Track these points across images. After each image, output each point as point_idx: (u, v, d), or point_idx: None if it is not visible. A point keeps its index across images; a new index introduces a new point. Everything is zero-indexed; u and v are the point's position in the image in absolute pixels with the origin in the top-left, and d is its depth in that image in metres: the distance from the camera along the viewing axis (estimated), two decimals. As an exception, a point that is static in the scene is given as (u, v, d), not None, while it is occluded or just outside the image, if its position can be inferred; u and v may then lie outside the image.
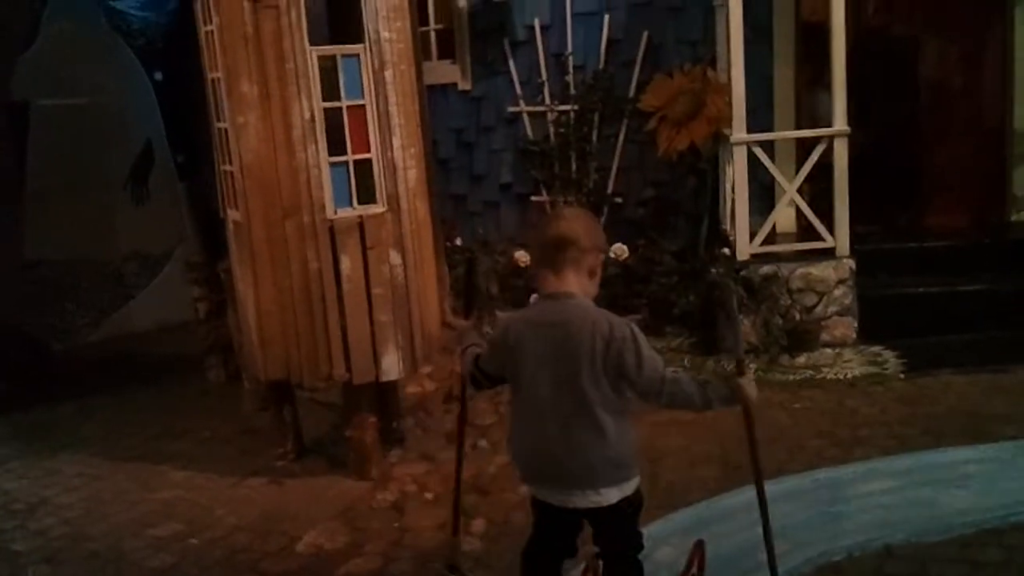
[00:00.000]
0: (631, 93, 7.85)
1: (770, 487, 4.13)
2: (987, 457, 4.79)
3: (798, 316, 6.66)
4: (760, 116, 7.35)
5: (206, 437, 5.85)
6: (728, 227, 7.18)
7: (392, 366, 4.99)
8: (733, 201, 6.92)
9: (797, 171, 7.02)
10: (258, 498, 4.99)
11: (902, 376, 6.07)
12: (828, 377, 6.18)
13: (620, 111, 7.92)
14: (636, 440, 3.17)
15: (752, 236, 6.86)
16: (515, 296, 7.79)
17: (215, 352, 6.71)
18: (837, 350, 6.60)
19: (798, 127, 7.60)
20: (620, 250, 7.55)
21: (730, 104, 6.85)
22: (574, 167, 7.96)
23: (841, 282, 6.73)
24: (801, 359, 6.48)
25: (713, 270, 6.75)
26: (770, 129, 7.47)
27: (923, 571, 3.82)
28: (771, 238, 7.05)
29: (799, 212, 7.07)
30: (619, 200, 8.00)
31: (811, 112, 7.57)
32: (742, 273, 6.69)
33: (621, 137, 7.96)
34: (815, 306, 6.72)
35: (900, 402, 5.66)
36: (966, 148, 7.72)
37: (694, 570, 3.72)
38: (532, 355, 3.10)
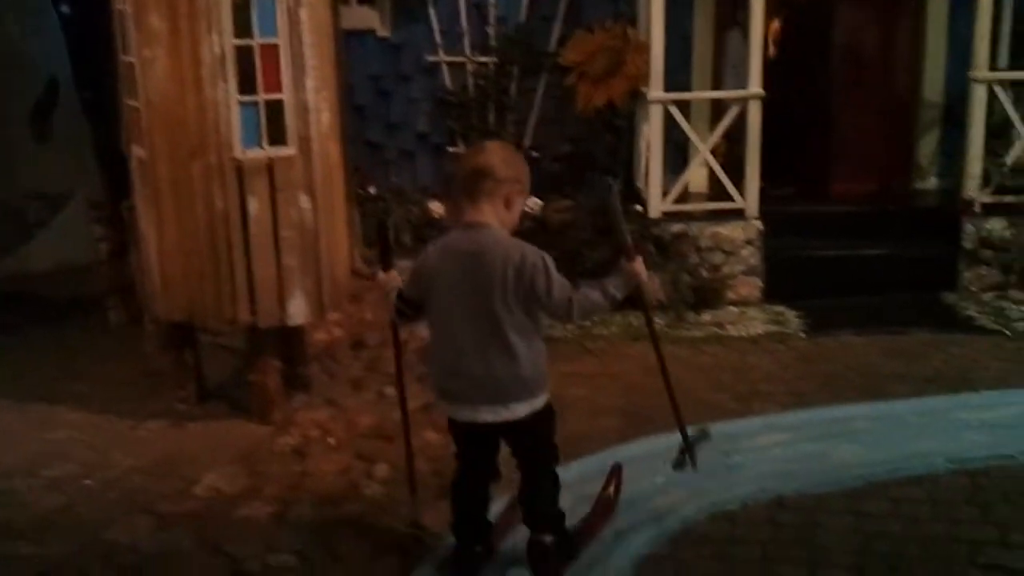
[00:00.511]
0: (551, 47, 7.83)
1: (669, 439, 4.28)
2: (879, 414, 4.93)
3: (705, 274, 6.77)
4: (678, 76, 7.40)
5: (105, 379, 5.72)
6: (642, 185, 7.24)
7: (298, 311, 4.93)
8: (648, 159, 6.97)
9: (712, 131, 7.10)
10: (157, 440, 4.91)
11: (803, 335, 6.22)
12: (732, 334, 6.29)
13: (540, 65, 7.89)
14: (546, 358, 3.36)
15: (665, 194, 6.93)
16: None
17: (117, 293, 6.54)
18: (742, 308, 6.73)
19: (715, 88, 7.69)
20: (535, 204, 7.55)
21: (649, 62, 6.88)
22: (492, 119, 7.93)
23: (748, 242, 6.85)
24: (707, 316, 6.59)
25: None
26: (688, 89, 7.54)
27: (812, 521, 3.93)
28: (683, 197, 7.14)
29: (712, 172, 7.15)
30: (536, 154, 7.97)
31: (727, 74, 7.67)
32: (653, 231, 6.75)
33: (540, 91, 7.94)
34: (722, 265, 6.83)
35: (799, 360, 5.80)
36: (876, 116, 7.87)
37: (611, 490, 4.03)
38: (447, 281, 3.28)
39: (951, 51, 7.73)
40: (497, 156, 3.29)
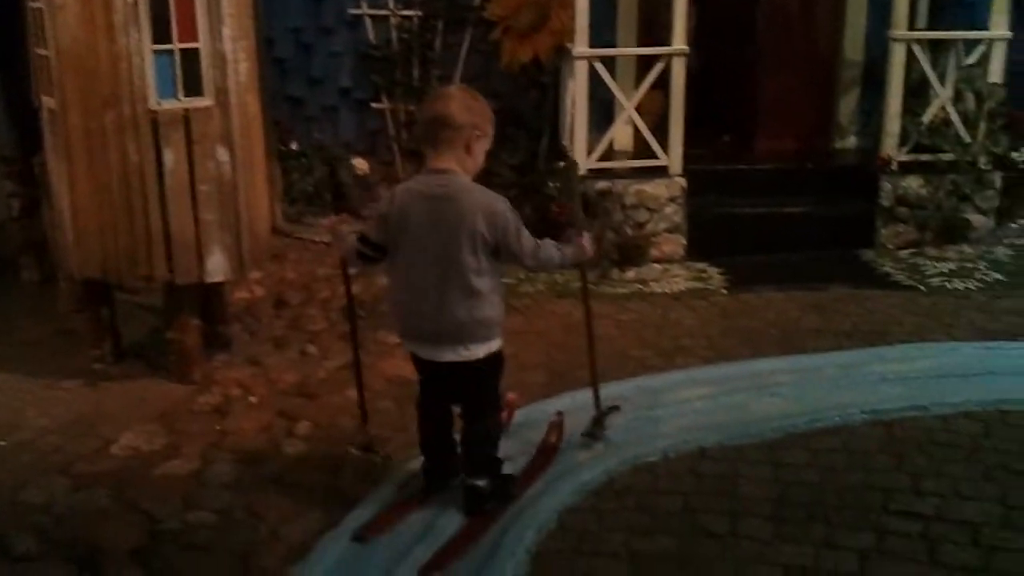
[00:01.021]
0: (476, 1, 7.73)
1: (589, 394, 4.32)
2: (798, 367, 5.01)
3: (630, 232, 6.80)
4: (603, 32, 7.37)
5: (18, 338, 5.55)
6: (567, 142, 7.23)
7: (217, 267, 4.82)
8: (573, 116, 6.95)
9: (637, 89, 7.10)
10: (72, 400, 4.78)
11: (725, 291, 6.29)
12: (655, 291, 6.34)
13: (465, 19, 7.80)
14: (503, 302, 3.58)
15: (590, 152, 6.92)
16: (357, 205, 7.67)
17: (29, 251, 6.34)
18: (665, 266, 6.78)
19: (640, 45, 7.68)
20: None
21: (574, 18, 6.84)
22: (416, 74, 7.83)
23: (672, 200, 6.89)
24: (631, 273, 6.62)
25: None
26: (613, 45, 7.52)
27: (733, 471, 3.99)
28: (608, 155, 7.15)
29: (637, 129, 7.16)
30: (460, 110, 7.90)
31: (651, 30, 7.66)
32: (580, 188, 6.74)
33: (465, 46, 7.85)
34: (646, 222, 6.86)
35: (721, 315, 5.87)
36: (798, 76, 7.95)
37: (554, 438, 4.21)
38: (416, 224, 3.41)
39: (871, 11, 7.83)
40: (455, 103, 3.39)
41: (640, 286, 6.43)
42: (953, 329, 5.50)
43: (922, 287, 6.25)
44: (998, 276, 6.38)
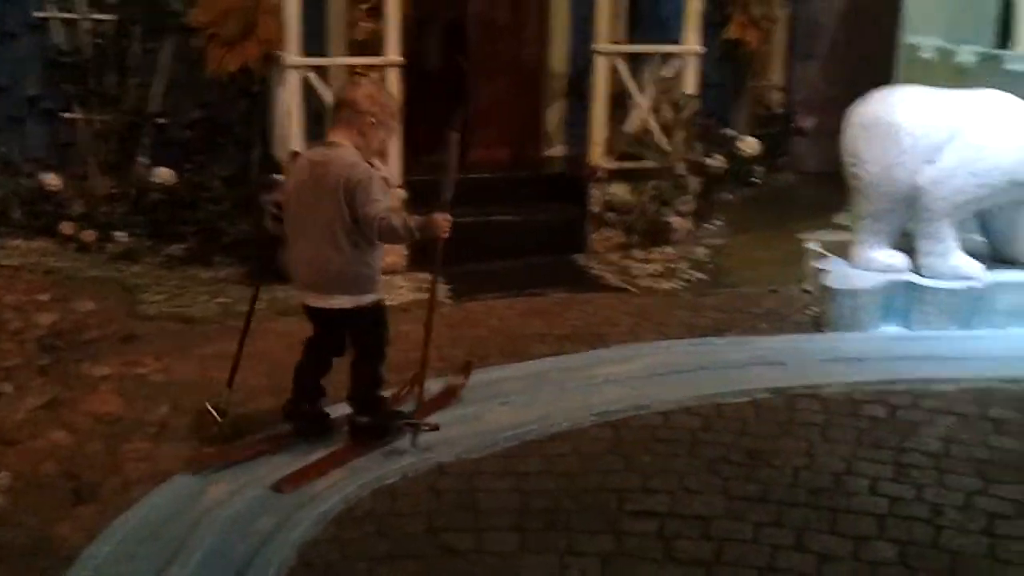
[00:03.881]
0: (178, 7, 7.33)
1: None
2: (526, 373, 5.08)
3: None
4: (313, 41, 7.19)
5: None
6: (281, 153, 6.99)
7: None
8: (287, 127, 6.73)
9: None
10: None
11: (449, 301, 6.30)
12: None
13: (165, 25, 7.37)
14: (378, 263, 4.09)
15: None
16: (44, 223, 7.06)
17: None
18: (388, 277, 6.67)
19: (352, 55, 7.56)
20: (167, 175, 7.09)
21: (282, 26, 6.63)
22: (112, 82, 7.32)
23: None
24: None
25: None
26: (323, 54, 7.35)
27: (472, 486, 3.98)
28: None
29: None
30: (163, 120, 7.48)
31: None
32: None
33: (167, 53, 7.42)
34: (369, 235, 6.75)
35: (447, 326, 5.84)
36: (508, 85, 8.14)
37: (462, 381, 4.76)
38: (300, 184, 4.04)
39: (573, 26, 8.13)
40: (362, 92, 4.07)
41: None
42: (665, 328, 5.78)
43: (633, 288, 6.56)
44: (700, 275, 6.80)
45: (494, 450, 4.26)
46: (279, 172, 6.83)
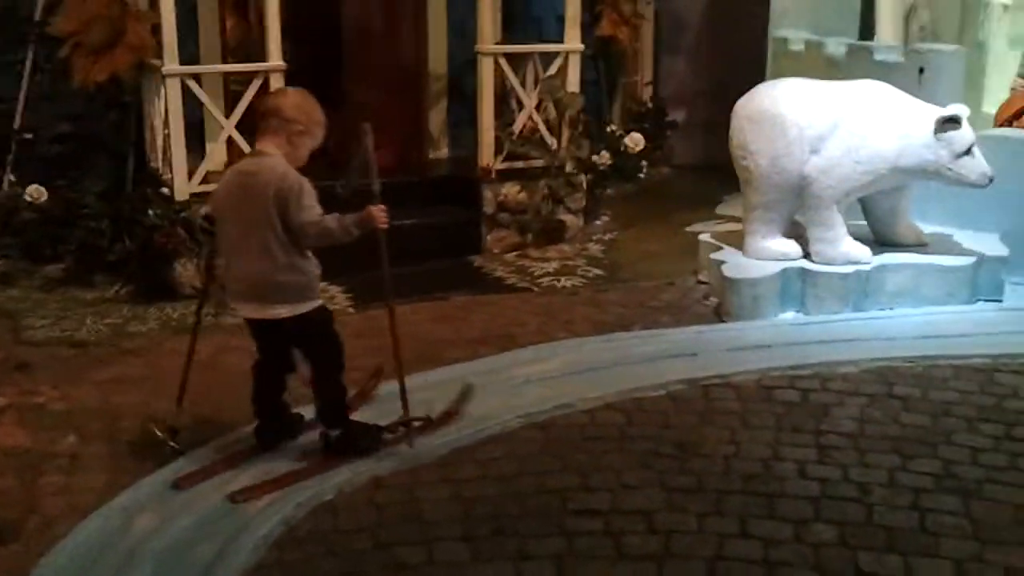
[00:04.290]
0: (38, 15, 6.95)
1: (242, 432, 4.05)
2: (444, 379, 5.02)
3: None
4: (185, 47, 6.93)
5: None
6: (160, 166, 6.74)
7: None
8: (166, 137, 6.49)
9: (225, 107, 6.78)
10: None
11: (352, 310, 6.19)
12: (280, 317, 6.07)
13: (24, 36, 6.98)
14: (313, 272, 4.02)
15: (191, 175, 6.50)
16: None
17: None
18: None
19: (224, 61, 7.34)
20: (37, 192, 6.72)
21: (153, 32, 6.38)
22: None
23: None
24: (251, 300, 6.31)
25: (151, 212, 6.28)
26: (195, 61, 7.11)
27: (413, 496, 3.91)
28: (206, 177, 6.74)
29: (234, 149, 6.82)
30: (28, 136, 7.10)
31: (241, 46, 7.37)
32: (183, 215, 6.31)
33: (28, 64, 7.03)
34: (260, 246, 6.57)
35: (354, 335, 5.64)
36: (388, 88, 8.01)
37: (458, 406, 4.60)
38: (229, 196, 4.01)
39: (451, 26, 8.10)
40: (288, 100, 4.04)
41: (246, 313, 6.14)
42: (572, 325, 5.82)
43: (534, 288, 6.58)
44: (597, 271, 6.88)
45: (429, 459, 4.20)
46: (157, 185, 6.60)
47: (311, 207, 3.89)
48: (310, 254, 4.02)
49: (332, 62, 7.91)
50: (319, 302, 4.12)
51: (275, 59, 6.55)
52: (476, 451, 4.27)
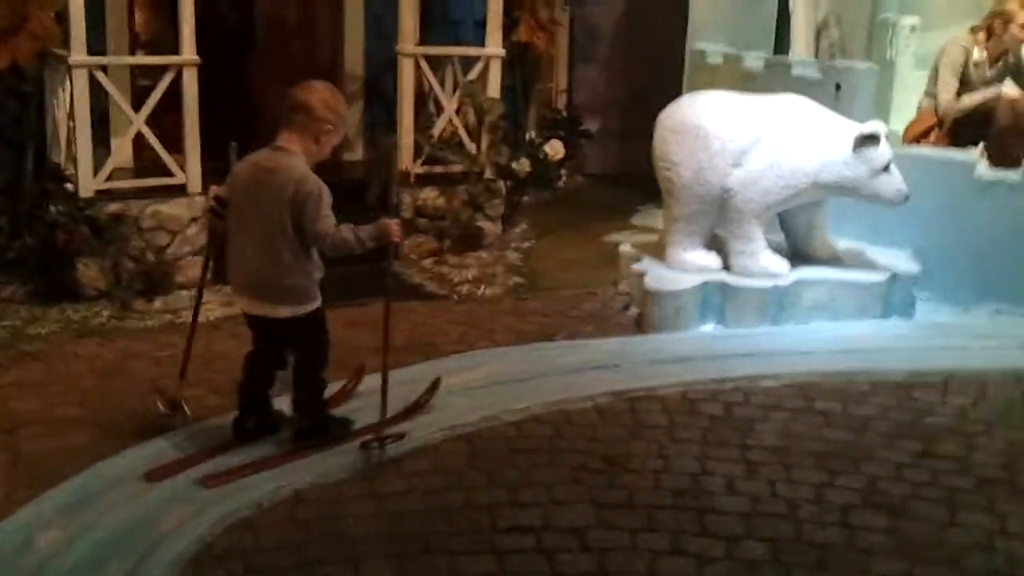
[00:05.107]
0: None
1: (154, 445, 3.91)
2: (365, 389, 4.86)
3: (151, 257, 6.22)
4: (90, 38, 6.63)
5: None
6: (63, 160, 6.43)
7: None
8: (70, 130, 6.20)
9: (133, 100, 6.51)
10: None
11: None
12: (189, 321, 5.82)
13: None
14: (315, 275, 4.02)
15: (96, 171, 6.21)
16: None
17: None
18: (193, 291, 6.29)
19: (132, 53, 7.07)
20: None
21: (57, 20, 6.09)
22: None
23: (194, 220, 6.43)
24: (157, 303, 6.09)
25: (53, 208, 5.98)
26: (102, 52, 6.81)
27: (336, 512, 3.76)
28: (113, 173, 6.46)
29: (141, 145, 6.57)
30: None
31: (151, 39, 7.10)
32: (87, 212, 6.03)
33: (-82, 50, 6.63)
34: (168, 246, 6.33)
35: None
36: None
37: (426, 398, 4.60)
38: (244, 189, 3.92)
39: (368, 27, 7.95)
40: (318, 96, 3.87)
41: (171, 316, 5.92)
42: (495, 335, 5.73)
43: (454, 295, 6.47)
44: (517, 279, 6.81)
45: (351, 472, 4.06)
46: (60, 180, 6.30)
47: (328, 216, 3.85)
48: (315, 256, 4.00)
49: (246, 60, 7.71)
50: (318, 303, 4.09)
51: (188, 53, 6.31)
52: (401, 464, 4.14)
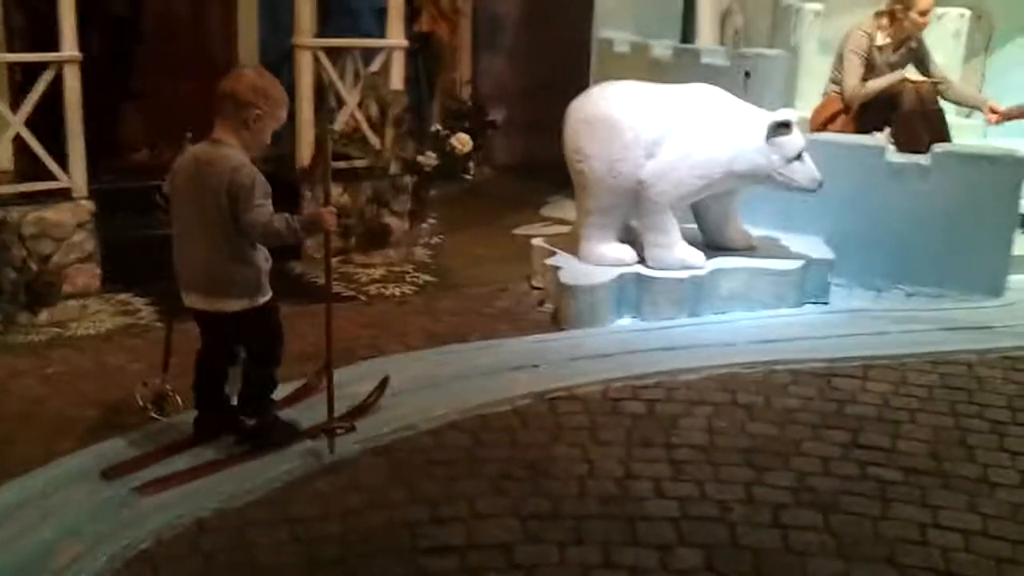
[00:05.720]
0: None
1: (44, 474, 3.63)
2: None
3: (35, 267, 5.82)
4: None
5: None
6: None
7: None
8: (-60, 132, 5.76)
9: (12, 99, 6.09)
10: None
11: (160, 324, 5.62)
12: (79, 333, 5.50)
13: None
14: (260, 269, 3.93)
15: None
16: None
17: None
18: (83, 301, 5.93)
19: (10, 50, 6.61)
20: None
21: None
22: None
23: (80, 226, 6.02)
24: (43, 316, 5.67)
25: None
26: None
27: (245, 540, 3.51)
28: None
29: (18, 147, 6.15)
30: None
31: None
32: (-38, 220, 5.62)
33: None
34: (53, 254, 5.93)
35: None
36: (195, 82, 7.44)
37: (373, 399, 4.50)
38: (182, 183, 3.88)
39: (263, 18, 7.61)
40: (243, 81, 3.80)
41: (59, 329, 5.53)
42: (407, 337, 5.50)
43: (362, 296, 6.22)
44: (427, 277, 6.59)
45: (257, 495, 3.79)
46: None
47: (261, 205, 3.76)
48: (260, 247, 3.92)
49: (132, 53, 7.31)
50: (268, 296, 4.00)
51: (69, 49, 5.90)
52: (313, 483, 3.90)
